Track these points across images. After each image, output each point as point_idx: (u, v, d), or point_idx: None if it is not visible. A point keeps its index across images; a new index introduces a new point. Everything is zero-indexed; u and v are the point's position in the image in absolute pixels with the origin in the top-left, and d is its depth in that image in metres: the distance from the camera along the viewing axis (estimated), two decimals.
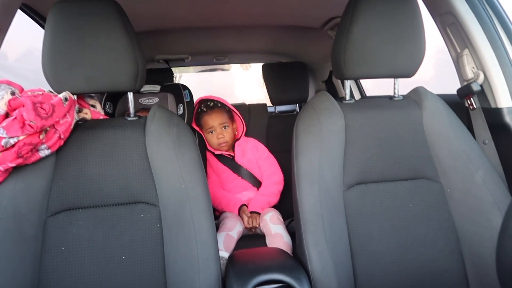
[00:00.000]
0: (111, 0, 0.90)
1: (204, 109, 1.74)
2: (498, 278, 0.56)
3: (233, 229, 1.47)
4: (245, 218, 1.54)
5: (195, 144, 0.96)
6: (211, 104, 1.74)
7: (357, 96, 2.39)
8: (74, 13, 0.88)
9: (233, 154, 1.73)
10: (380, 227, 0.96)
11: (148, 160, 0.90)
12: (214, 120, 1.70)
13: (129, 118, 0.97)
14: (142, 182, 0.90)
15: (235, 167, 1.71)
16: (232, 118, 1.77)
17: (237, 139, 1.75)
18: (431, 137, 1.01)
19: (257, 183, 1.71)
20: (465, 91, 1.13)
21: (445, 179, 0.99)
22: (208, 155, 1.79)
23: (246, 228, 1.53)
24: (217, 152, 1.75)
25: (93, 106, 1.03)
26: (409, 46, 0.99)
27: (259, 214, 1.56)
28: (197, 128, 1.79)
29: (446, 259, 0.96)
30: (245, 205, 1.61)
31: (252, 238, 1.53)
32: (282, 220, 1.51)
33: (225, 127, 1.71)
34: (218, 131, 1.70)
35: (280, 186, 1.69)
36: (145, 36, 1.75)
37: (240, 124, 1.76)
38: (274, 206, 1.74)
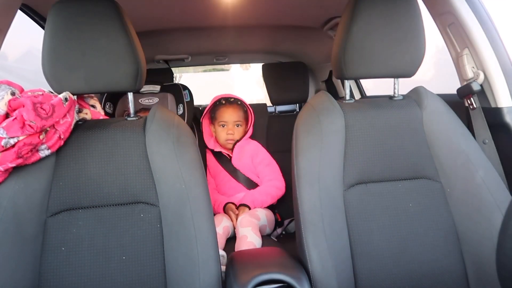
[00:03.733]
0: (111, 0, 0.90)
1: (223, 102, 1.74)
2: (498, 278, 0.56)
3: (218, 225, 1.46)
4: (232, 215, 1.53)
5: (195, 144, 0.96)
6: (232, 100, 1.74)
7: (357, 96, 2.39)
8: (74, 13, 0.88)
9: (231, 155, 1.73)
10: (380, 227, 0.96)
11: (148, 160, 0.90)
12: (230, 115, 1.70)
13: (129, 118, 0.97)
14: (142, 182, 0.90)
15: (231, 170, 1.71)
16: (246, 120, 1.76)
17: (238, 140, 1.74)
18: (431, 136, 1.01)
19: (252, 186, 1.70)
20: (465, 91, 1.13)
21: (445, 178, 0.99)
22: (207, 154, 1.79)
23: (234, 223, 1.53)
24: (216, 149, 1.74)
25: (93, 106, 1.03)
26: (409, 45, 0.98)
27: (249, 207, 1.56)
28: (204, 123, 1.78)
29: (446, 258, 0.96)
30: (230, 203, 1.60)
31: None
32: (255, 220, 1.47)
33: (237, 125, 1.71)
34: (229, 127, 1.70)
35: (279, 191, 1.66)
36: (145, 36, 1.74)
37: (249, 127, 1.76)
38: (273, 206, 1.74)
